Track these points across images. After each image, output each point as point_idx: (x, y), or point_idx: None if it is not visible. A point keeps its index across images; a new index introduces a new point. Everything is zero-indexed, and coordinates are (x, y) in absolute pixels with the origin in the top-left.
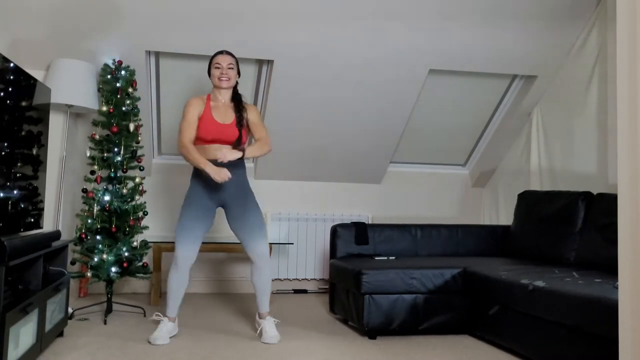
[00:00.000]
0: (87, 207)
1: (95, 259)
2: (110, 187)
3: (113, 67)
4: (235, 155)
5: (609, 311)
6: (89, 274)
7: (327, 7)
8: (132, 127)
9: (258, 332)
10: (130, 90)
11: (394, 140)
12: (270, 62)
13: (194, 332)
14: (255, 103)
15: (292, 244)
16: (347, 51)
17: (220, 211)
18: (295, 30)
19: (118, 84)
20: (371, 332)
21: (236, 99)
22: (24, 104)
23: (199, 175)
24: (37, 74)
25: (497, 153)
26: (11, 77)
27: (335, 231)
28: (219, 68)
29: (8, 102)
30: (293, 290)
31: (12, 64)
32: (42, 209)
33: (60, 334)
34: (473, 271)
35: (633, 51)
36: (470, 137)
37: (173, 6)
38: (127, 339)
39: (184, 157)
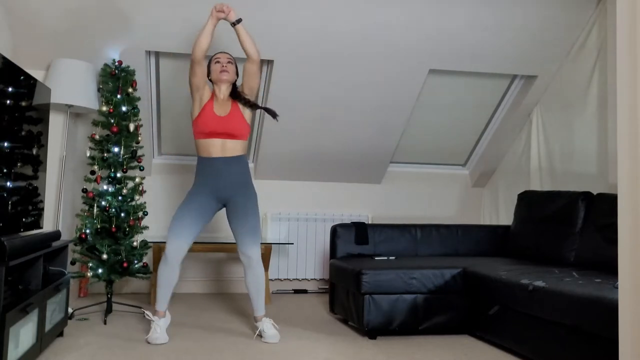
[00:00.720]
0: (87, 207)
1: (95, 259)
2: (110, 187)
3: (113, 67)
4: (234, 13)
5: (608, 311)
6: (89, 274)
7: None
8: (132, 127)
9: (257, 334)
10: (130, 90)
11: (394, 140)
12: (270, 62)
13: (193, 332)
14: None
15: (292, 244)
16: (347, 51)
17: (220, 211)
18: (296, 30)
19: (118, 84)
20: (371, 332)
21: (235, 95)
22: (24, 104)
23: (202, 172)
24: (37, 74)
25: (497, 153)
26: (11, 77)
27: (335, 231)
28: (218, 62)
29: (8, 102)
30: (293, 290)
31: (12, 64)
32: (42, 209)
33: (60, 334)
34: (473, 271)
35: (633, 51)
36: (470, 137)
37: (173, 6)
38: (127, 339)
39: (195, 45)
